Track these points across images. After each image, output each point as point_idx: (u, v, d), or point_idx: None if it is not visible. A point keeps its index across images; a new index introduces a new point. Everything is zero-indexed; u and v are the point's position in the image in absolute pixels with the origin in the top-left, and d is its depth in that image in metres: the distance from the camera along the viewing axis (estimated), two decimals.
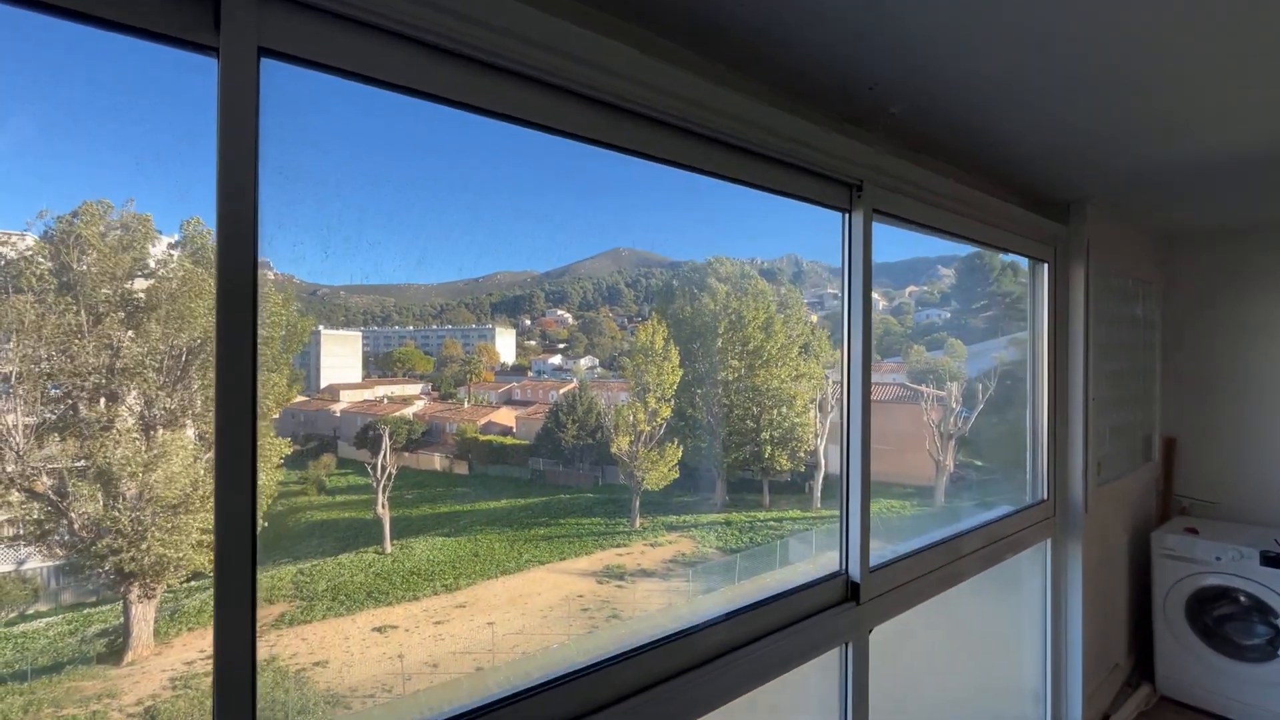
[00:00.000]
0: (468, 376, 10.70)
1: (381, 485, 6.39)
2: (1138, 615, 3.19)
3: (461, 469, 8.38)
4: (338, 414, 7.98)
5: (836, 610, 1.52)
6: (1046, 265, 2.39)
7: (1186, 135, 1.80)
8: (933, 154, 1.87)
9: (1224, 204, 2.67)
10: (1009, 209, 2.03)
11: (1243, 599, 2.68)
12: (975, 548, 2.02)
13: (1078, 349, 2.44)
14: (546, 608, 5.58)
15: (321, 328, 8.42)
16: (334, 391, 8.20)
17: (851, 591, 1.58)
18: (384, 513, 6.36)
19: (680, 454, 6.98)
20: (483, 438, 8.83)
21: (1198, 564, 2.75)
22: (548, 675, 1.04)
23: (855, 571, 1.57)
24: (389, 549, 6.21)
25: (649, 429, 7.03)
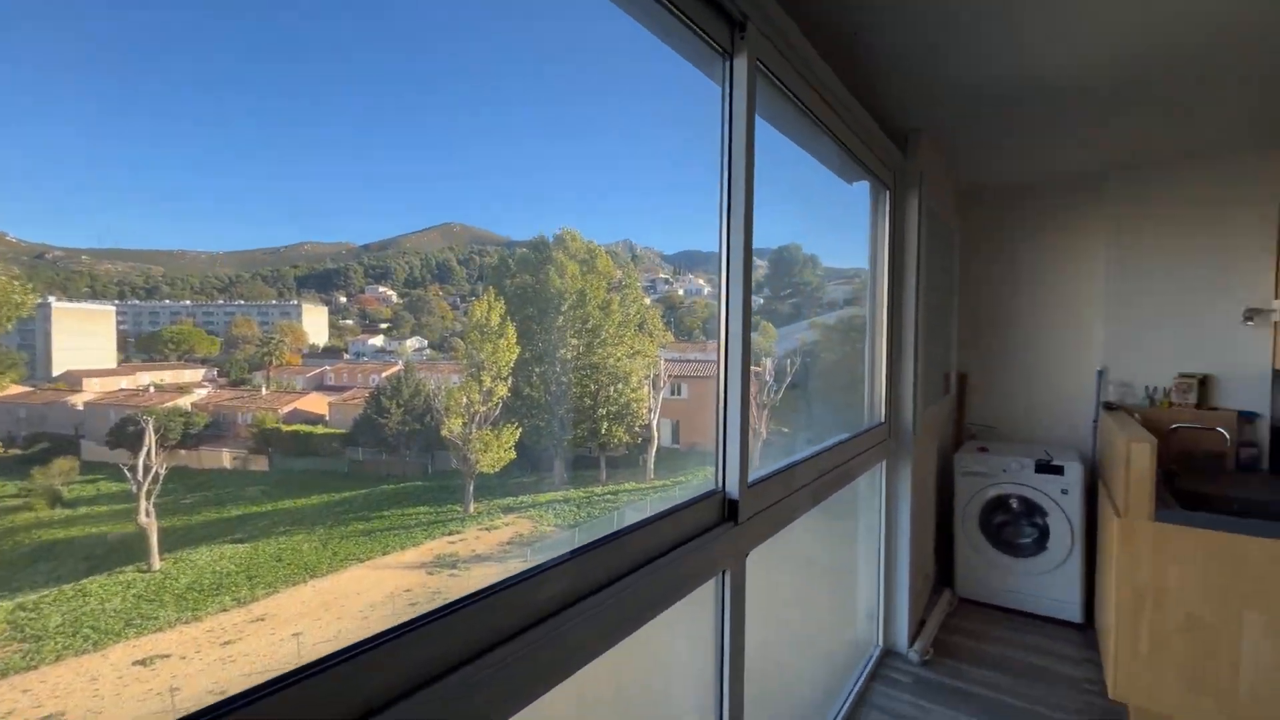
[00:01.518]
0: (266, 359, 9.03)
1: (145, 490, 5.12)
2: (942, 528, 3.61)
3: (260, 464, 7.03)
4: (79, 407, 6.16)
5: (714, 533, 1.33)
6: (888, 193, 2.48)
7: (1002, 58, 1.91)
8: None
9: (1013, 158, 3.04)
10: (868, 119, 2.02)
11: (1015, 504, 3.13)
12: (834, 464, 2.00)
13: (910, 278, 2.59)
14: (368, 607, 4.87)
15: (52, 299, 6.45)
16: (74, 379, 6.31)
17: (729, 510, 1.39)
18: (149, 522, 5.08)
19: (518, 434, 6.58)
20: (286, 428, 7.49)
21: (990, 478, 3.15)
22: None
23: (733, 487, 1.39)
24: (157, 564, 5.01)
25: (484, 409, 6.50)
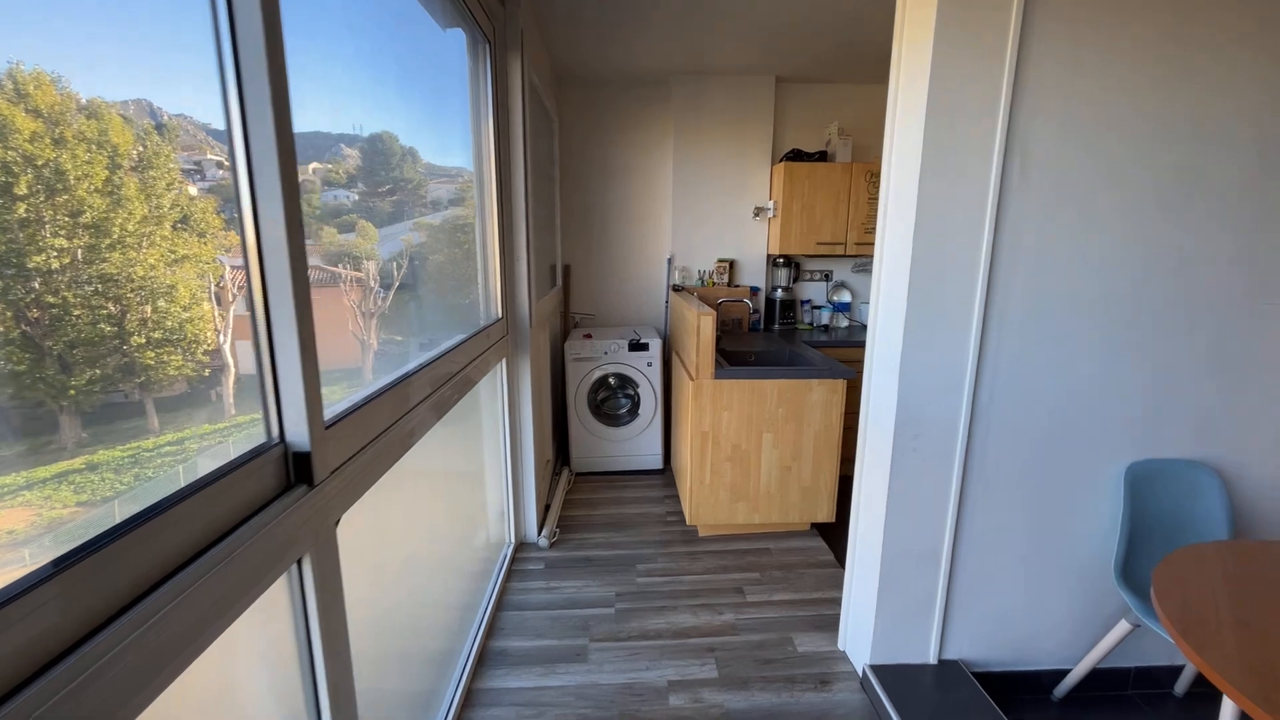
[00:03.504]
0: None
1: None
2: (557, 414, 3.81)
3: None
4: None
5: (273, 509, 0.84)
6: (488, 49, 2.07)
7: None
8: None
9: (599, 46, 3.02)
10: None
11: (614, 381, 3.51)
12: (449, 373, 1.67)
13: (518, 153, 2.33)
14: None
15: None
16: None
17: (299, 470, 0.92)
18: None
19: None
20: None
21: (594, 361, 3.40)
22: None
23: (299, 434, 0.91)
24: None
25: None
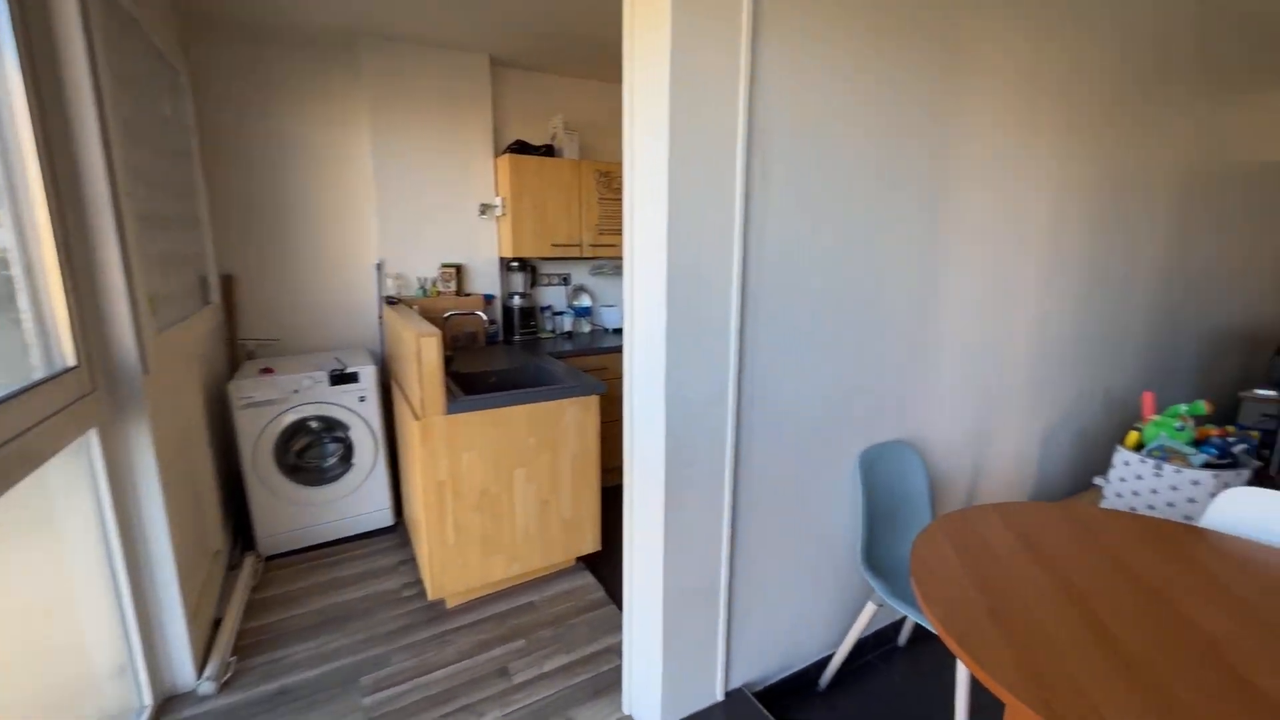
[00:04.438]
0: None
1: None
2: (229, 483, 2.77)
3: None
4: None
5: None
6: None
7: None
8: None
9: None
10: None
11: (316, 424, 2.69)
12: None
13: (86, 107, 1.45)
14: None
15: None
16: None
17: None
18: None
19: None
20: None
21: (281, 403, 2.53)
22: None
23: None
24: None
25: None
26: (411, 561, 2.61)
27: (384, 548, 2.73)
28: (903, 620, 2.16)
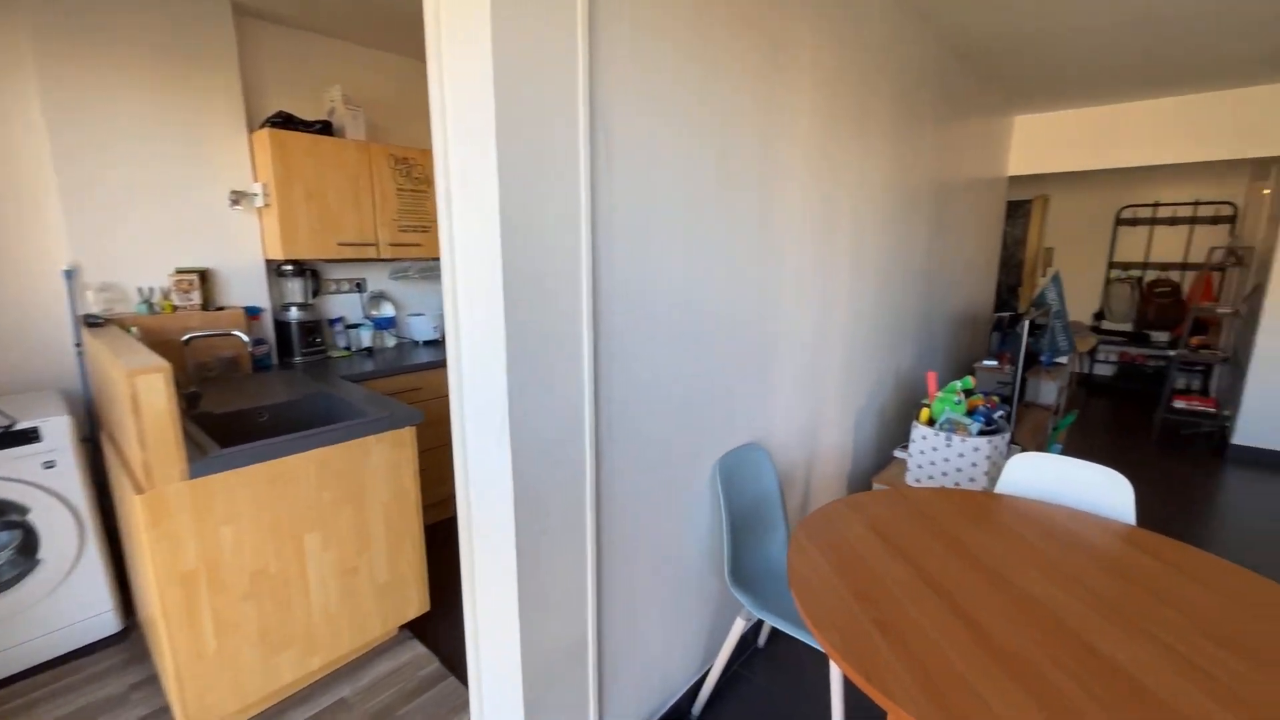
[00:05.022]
0: None
1: None
2: None
3: None
4: None
5: None
6: None
7: None
8: None
9: None
10: None
11: None
12: None
13: None
14: None
15: None
16: None
17: None
18: None
19: None
20: None
21: None
22: None
23: None
24: None
25: None
26: (155, 681, 1.89)
27: (109, 666, 1.95)
28: (759, 620, 2.15)
